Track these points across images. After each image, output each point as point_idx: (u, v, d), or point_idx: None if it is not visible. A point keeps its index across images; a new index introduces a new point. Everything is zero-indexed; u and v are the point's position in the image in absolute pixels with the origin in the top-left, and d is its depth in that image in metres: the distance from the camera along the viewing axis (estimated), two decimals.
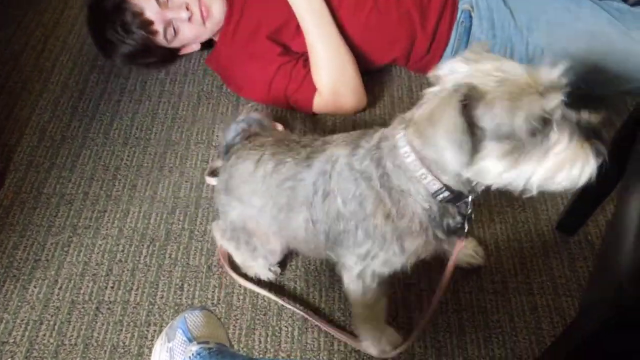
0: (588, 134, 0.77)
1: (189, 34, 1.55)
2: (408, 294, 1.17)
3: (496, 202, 1.31)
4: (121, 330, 1.13)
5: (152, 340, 1.12)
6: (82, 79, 1.60)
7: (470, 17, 1.48)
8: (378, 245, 0.91)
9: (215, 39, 1.59)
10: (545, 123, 0.74)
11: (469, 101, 0.72)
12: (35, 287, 1.19)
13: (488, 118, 0.73)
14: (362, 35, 1.49)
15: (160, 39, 1.52)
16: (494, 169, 0.77)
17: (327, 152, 0.93)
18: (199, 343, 0.76)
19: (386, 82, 1.57)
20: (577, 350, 0.68)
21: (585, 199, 1.19)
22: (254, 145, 1.05)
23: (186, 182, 1.36)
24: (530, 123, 0.73)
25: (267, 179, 0.99)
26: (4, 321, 1.14)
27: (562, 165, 0.77)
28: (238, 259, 1.18)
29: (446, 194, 0.83)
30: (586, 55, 1.43)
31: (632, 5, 1.55)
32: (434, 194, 0.84)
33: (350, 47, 1.47)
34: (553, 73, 0.75)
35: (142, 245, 1.25)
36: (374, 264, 0.94)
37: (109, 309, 1.16)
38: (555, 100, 0.74)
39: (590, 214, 1.22)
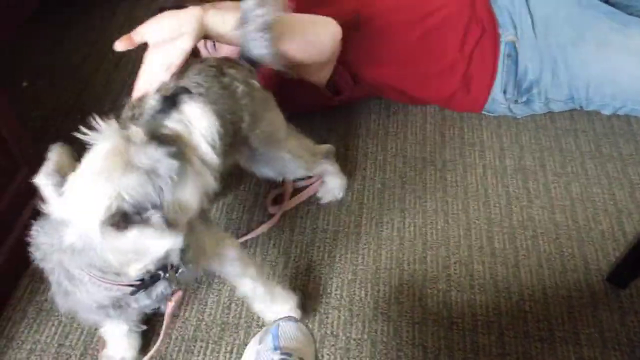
0: None
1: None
2: None
3: (545, 248, 1.31)
4: (169, 343, 1.17)
5: (197, 355, 1.15)
6: None
7: (515, 47, 1.48)
8: None
9: None
10: None
11: None
12: None
13: None
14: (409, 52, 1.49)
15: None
16: None
17: None
18: (282, 353, 0.76)
19: (438, 121, 1.59)
20: None
21: (639, 252, 1.17)
22: None
23: None
24: None
25: None
26: None
27: None
28: None
29: None
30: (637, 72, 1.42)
31: None
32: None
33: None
34: None
35: None
36: None
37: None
38: None
39: None
